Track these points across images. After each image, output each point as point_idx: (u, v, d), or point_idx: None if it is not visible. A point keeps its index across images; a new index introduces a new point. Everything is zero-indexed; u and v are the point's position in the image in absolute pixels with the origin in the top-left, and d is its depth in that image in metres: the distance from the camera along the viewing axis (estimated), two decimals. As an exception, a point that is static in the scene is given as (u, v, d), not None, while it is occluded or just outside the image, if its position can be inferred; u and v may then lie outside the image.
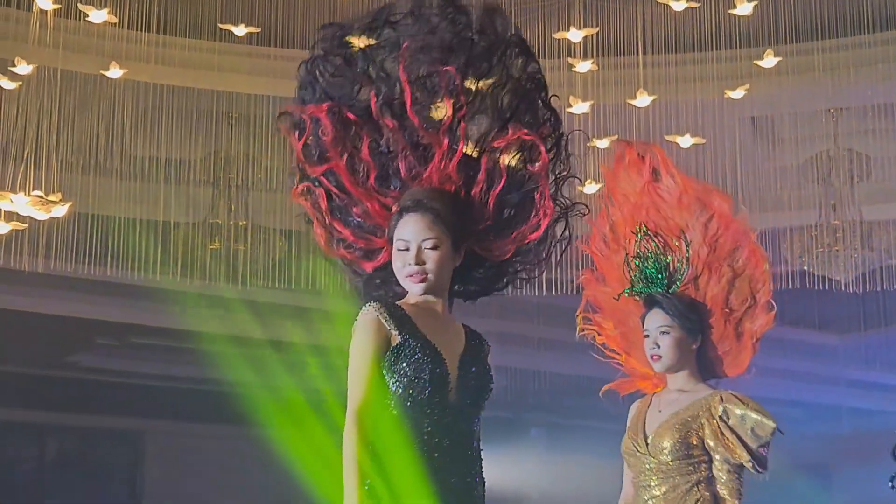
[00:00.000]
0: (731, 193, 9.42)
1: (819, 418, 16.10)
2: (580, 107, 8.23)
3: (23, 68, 7.48)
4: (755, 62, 8.50)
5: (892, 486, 9.37)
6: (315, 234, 3.75)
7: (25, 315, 11.18)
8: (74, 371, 13.80)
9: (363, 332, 3.61)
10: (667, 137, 8.65)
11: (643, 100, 8.34)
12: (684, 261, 4.72)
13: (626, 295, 4.81)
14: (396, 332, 3.59)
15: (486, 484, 3.73)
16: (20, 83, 7.73)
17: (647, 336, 4.69)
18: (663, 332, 4.64)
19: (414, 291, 3.67)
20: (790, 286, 9.91)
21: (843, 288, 9.90)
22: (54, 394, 13.93)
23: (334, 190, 3.71)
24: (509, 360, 13.38)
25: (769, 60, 8.42)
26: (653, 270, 4.75)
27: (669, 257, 4.75)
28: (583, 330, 5.07)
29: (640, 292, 4.75)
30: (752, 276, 4.78)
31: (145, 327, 11.89)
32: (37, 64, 7.64)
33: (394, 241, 3.64)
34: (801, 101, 9.34)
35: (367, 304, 3.63)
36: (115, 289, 10.48)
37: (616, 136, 8.72)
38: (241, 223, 9.07)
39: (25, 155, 7.68)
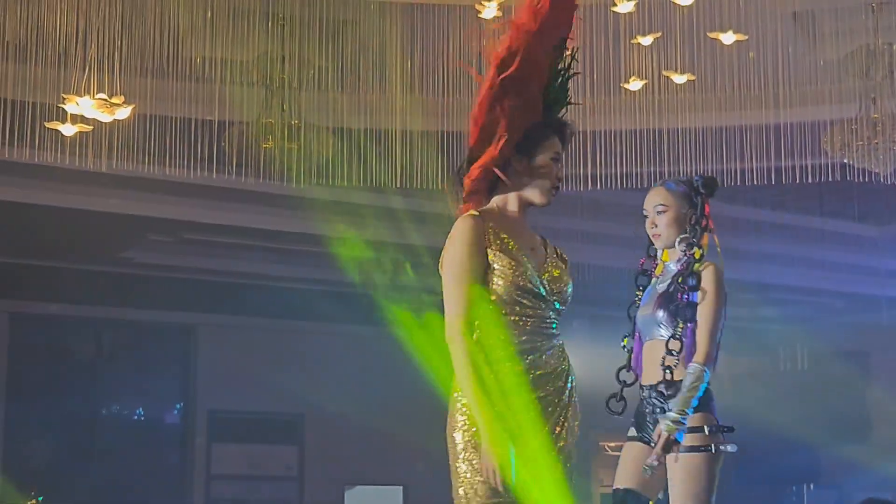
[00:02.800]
0: (772, 87, 9.64)
1: (858, 308, 16.32)
2: (625, 6, 8.38)
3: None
4: (797, -42, 8.62)
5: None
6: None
7: (82, 213, 11.46)
8: (128, 266, 14.10)
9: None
10: (709, 34, 8.79)
11: (687, -3, 8.47)
12: None
13: None
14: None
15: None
16: (80, -11, 7.96)
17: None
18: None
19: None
20: (830, 178, 10.08)
21: (882, 180, 10.05)
22: (109, 289, 14.25)
23: None
24: (552, 253, 13.59)
25: (811, -44, 8.53)
26: None
27: None
28: None
29: None
30: None
31: (198, 224, 12.16)
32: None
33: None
34: (843, -4, 9.45)
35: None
36: (168, 187, 10.74)
37: (660, 34, 8.88)
38: (293, 122, 9.29)
39: (89, 59, 7.94)
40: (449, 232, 4.12)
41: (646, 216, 5.11)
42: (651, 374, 4.96)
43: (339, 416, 15.14)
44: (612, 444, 19.53)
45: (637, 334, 5.08)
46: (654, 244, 5.14)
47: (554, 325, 4.12)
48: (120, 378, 15.74)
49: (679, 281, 4.93)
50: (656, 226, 5.05)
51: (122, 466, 15.29)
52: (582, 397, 15.80)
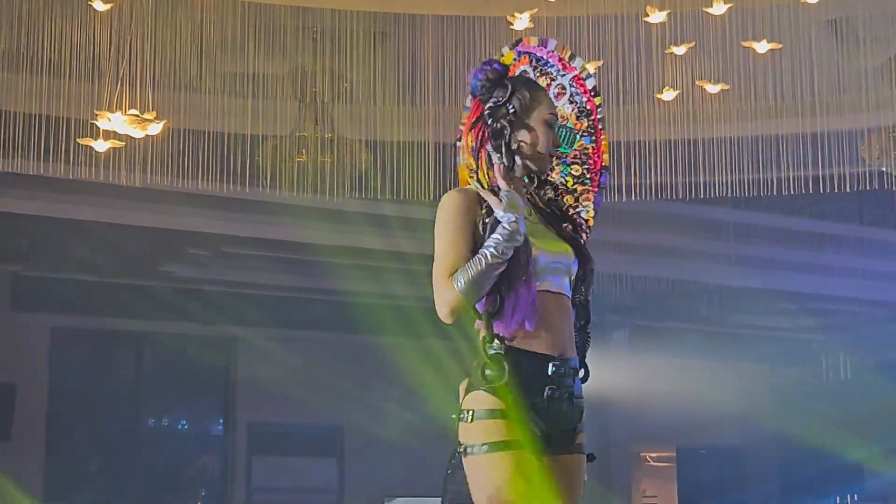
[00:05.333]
0: (808, 96, 9.58)
1: (901, 317, 16.19)
2: (657, 16, 8.36)
3: (115, -9, 7.76)
4: (831, -35, 8.58)
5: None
6: None
7: (121, 228, 11.54)
8: (168, 280, 14.19)
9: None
10: (743, 44, 8.75)
11: (719, 7, 8.42)
12: None
13: None
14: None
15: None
16: (112, 4, 8.00)
17: None
18: None
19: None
20: (868, 187, 10.01)
21: (920, 188, 9.99)
22: (149, 303, 14.32)
23: None
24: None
25: (845, -37, 8.48)
26: None
27: None
28: None
29: None
30: None
31: (236, 237, 12.21)
32: (128, -14, 7.92)
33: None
34: (878, 2, 9.37)
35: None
36: (206, 201, 10.79)
37: (693, 44, 8.85)
38: (326, 135, 9.32)
39: (120, 75, 7.99)
40: None
41: None
42: None
43: (378, 427, 15.15)
44: (654, 455, 19.49)
45: None
46: None
47: None
48: (161, 392, 15.80)
49: None
50: None
51: (165, 479, 15.35)
52: (623, 409, 15.72)
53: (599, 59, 8.90)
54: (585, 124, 4.34)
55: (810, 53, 9.30)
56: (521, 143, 3.87)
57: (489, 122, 3.87)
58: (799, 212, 13.09)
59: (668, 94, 8.93)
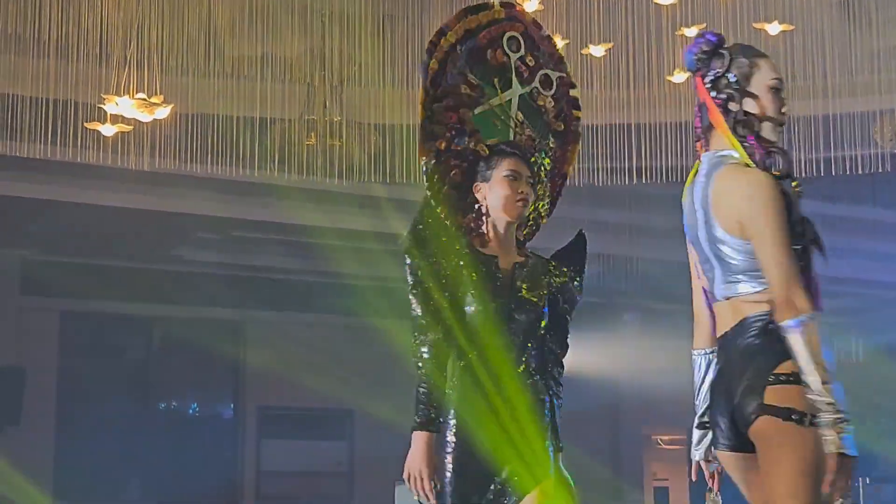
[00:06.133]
0: (819, 78, 9.51)
1: (917, 299, 16.12)
2: (667, -2, 8.32)
3: (122, -26, 7.73)
4: (843, -54, 8.51)
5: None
6: None
7: (131, 211, 11.51)
8: (178, 264, 14.15)
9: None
10: (754, 25, 8.69)
11: (730, -12, 8.39)
12: None
13: None
14: None
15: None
16: (120, -12, 7.99)
17: None
18: None
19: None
20: (881, 169, 9.95)
21: (934, 170, 9.93)
22: (159, 286, 14.30)
23: None
24: (602, 247, 13.52)
25: (857, -56, 8.42)
26: None
27: None
28: None
29: None
30: None
31: (246, 221, 12.17)
32: (136, -30, 7.88)
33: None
34: (891, -17, 9.32)
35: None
36: (215, 184, 10.74)
37: (704, 25, 8.78)
38: (336, 118, 9.27)
39: (128, 59, 7.95)
40: None
41: None
42: None
43: (388, 410, 15.11)
44: (665, 438, 19.46)
45: None
46: None
47: None
48: (171, 375, 15.79)
49: None
50: None
51: (175, 462, 15.34)
52: (634, 391, 15.64)
53: (610, 42, 8.84)
54: (562, 127, 4.29)
55: (822, 35, 9.24)
56: (749, 114, 3.70)
57: (713, 95, 3.74)
58: (812, 194, 13.00)
59: (679, 77, 8.87)
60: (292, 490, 16.01)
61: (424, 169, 4.00)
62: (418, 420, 3.90)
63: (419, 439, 3.90)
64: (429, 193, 3.98)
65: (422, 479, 3.89)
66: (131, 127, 8.02)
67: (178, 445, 15.45)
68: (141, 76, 7.96)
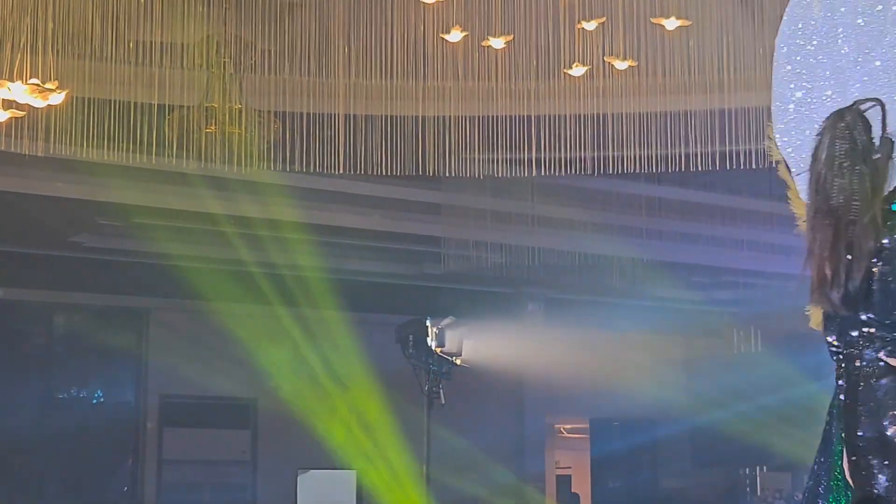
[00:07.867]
0: (717, 75, 9.62)
1: (812, 291, 16.36)
2: (566, -10, 8.37)
3: (17, -43, 7.61)
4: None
5: None
6: None
7: (28, 197, 11.38)
8: (79, 251, 14.01)
9: None
10: (652, 20, 8.78)
11: (629, -18, 8.46)
12: None
13: None
14: None
15: None
16: (15, -29, 7.86)
17: None
18: None
19: None
20: (775, 164, 10.08)
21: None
22: (60, 273, 14.16)
23: None
24: (506, 238, 13.62)
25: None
26: None
27: None
28: None
29: None
30: None
31: (147, 208, 12.07)
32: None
33: None
34: (787, -21, 9.43)
35: None
36: (117, 171, 10.64)
37: (603, 19, 8.86)
38: (235, 106, 9.22)
39: (22, 43, 7.84)
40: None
41: None
42: None
43: (291, 400, 15.10)
44: (568, 427, 19.63)
45: None
46: None
47: None
48: (72, 363, 15.64)
49: None
50: None
51: (75, 451, 15.20)
52: (537, 381, 15.73)
53: (510, 34, 8.88)
54: None
55: (719, 30, 9.35)
56: None
57: None
58: (711, 186, 13.19)
59: (578, 70, 8.94)
60: (195, 477, 15.95)
61: None
62: None
63: None
64: None
65: None
66: (24, 112, 7.91)
67: (80, 433, 15.31)
68: (35, 60, 7.85)
